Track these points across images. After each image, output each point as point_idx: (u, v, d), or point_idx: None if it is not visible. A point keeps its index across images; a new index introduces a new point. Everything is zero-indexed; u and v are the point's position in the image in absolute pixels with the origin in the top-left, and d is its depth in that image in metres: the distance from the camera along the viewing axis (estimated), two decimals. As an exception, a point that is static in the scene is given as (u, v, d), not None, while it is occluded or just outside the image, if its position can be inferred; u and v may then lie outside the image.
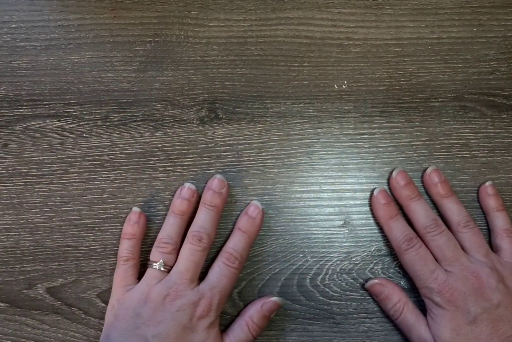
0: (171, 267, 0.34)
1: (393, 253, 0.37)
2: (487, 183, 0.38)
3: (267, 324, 0.35)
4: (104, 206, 0.38)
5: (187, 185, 0.37)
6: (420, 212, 0.36)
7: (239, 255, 0.34)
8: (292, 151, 0.39)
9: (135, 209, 0.37)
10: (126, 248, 0.35)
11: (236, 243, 0.35)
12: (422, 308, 0.35)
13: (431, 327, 0.34)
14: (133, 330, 0.32)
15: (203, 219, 0.35)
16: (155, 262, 0.34)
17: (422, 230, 0.35)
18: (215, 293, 0.33)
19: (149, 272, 0.34)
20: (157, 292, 0.33)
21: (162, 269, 0.34)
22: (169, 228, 0.35)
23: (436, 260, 0.35)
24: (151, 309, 0.32)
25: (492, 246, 0.37)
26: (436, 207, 0.38)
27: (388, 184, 0.38)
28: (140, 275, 0.35)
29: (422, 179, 0.38)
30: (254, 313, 0.35)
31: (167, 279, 0.33)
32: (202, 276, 0.35)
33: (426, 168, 0.38)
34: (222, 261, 0.34)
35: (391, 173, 0.38)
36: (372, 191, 0.38)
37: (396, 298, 0.35)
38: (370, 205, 0.38)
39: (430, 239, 0.35)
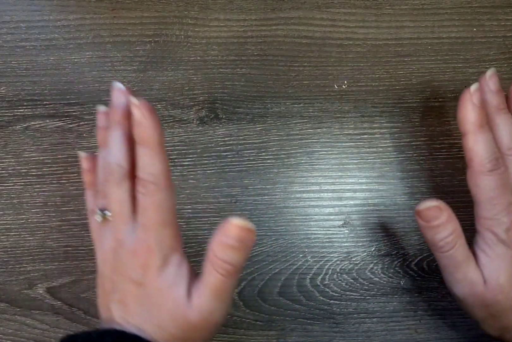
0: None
1: (393, 253, 0.37)
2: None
3: (243, 257, 0.26)
4: (104, 206, 0.38)
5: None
6: (508, 128, 0.30)
7: (152, 176, 0.27)
8: (292, 151, 0.39)
9: (82, 154, 0.32)
10: (88, 198, 0.31)
11: (142, 163, 0.27)
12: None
13: (485, 267, 0.29)
14: (103, 295, 0.28)
15: (112, 152, 0.28)
16: (95, 214, 0.29)
17: (507, 149, 0.30)
18: (149, 232, 0.27)
19: (92, 222, 0.30)
20: (106, 249, 0.28)
21: (102, 219, 0.28)
22: (100, 162, 0.30)
23: None
24: (107, 270, 0.28)
25: None
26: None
27: (476, 86, 0.30)
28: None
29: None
30: (215, 246, 0.26)
31: (108, 229, 0.28)
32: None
33: (426, 167, 0.38)
34: (138, 192, 0.27)
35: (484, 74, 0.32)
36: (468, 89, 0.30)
37: (452, 228, 0.29)
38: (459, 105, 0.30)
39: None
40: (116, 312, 0.27)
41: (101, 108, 0.31)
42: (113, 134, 0.28)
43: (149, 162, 0.27)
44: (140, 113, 0.26)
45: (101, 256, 0.29)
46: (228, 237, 0.25)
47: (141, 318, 0.26)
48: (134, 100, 0.26)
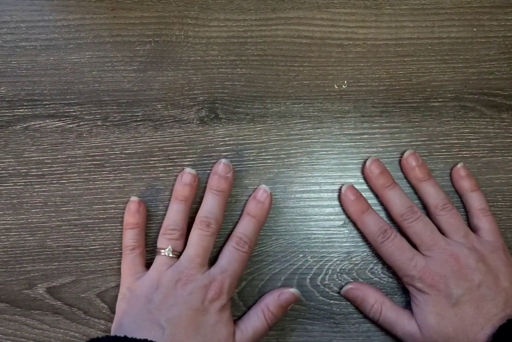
0: (180, 253, 0.34)
1: (393, 253, 0.37)
2: (459, 165, 0.38)
3: (282, 315, 0.35)
4: (104, 206, 0.38)
5: (187, 170, 0.37)
6: (396, 200, 0.36)
7: (248, 239, 0.35)
8: (292, 151, 0.39)
9: (134, 198, 0.37)
10: (131, 237, 0.35)
11: (245, 228, 0.35)
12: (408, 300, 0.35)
13: (416, 315, 0.34)
14: (146, 315, 0.32)
15: (211, 204, 0.35)
16: (163, 249, 0.34)
17: (399, 217, 0.36)
18: (226, 277, 0.33)
19: (158, 259, 0.34)
20: (169, 277, 0.33)
21: (171, 255, 0.34)
22: (174, 214, 0.35)
23: (415, 246, 0.35)
24: (163, 294, 0.32)
25: (471, 227, 0.36)
26: (414, 190, 0.38)
27: (363, 174, 0.38)
28: (147, 265, 0.35)
29: (400, 163, 0.38)
30: (270, 301, 0.35)
31: (177, 264, 0.34)
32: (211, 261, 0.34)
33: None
34: (232, 245, 0.34)
35: (364, 162, 0.38)
36: (339, 189, 0.38)
37: (372, 299, 0.35)
38: (340, 203, 0.38)
39: (407, 226, 0.35)
40: (161, 329, 0.31)
41: (191, 170, 0.37)
42: (216, 198, 0.35)
43: (252, 230, 0.35)
44: (265, 198, 0.36)
45: (154, 283, 0.33)
46: (284, 301, 0.35)
47: (190, 337, 0.31)
48: (267, 189, 0.37)
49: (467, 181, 0.37)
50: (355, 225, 0.37)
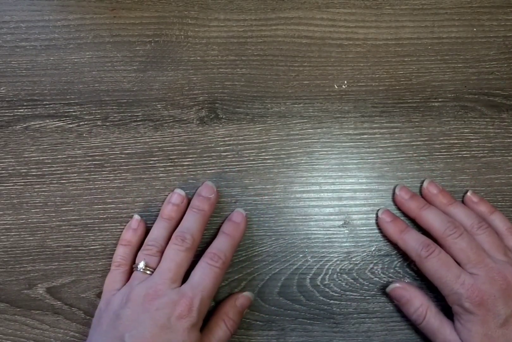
0: (155, 269, 0.34)
1: (393, 253, 0.37)
2: (468, 193, 0.38)
3: (241, 319, 0.35)
4: (104, 206, 0.38)
5: (177, 190, 0.37)
6: (434, 217, 0.35)
7: (223, 254, 0.34)
8: (292, 151, 0.39)
9: (136, 217, 0.37)
10: (120, 254, 0.36)
11: (220, 244, 0.35)
12: (444, 311, 0.35)
13: (460, 333, 0.32)
14: (112, 331, 0.31)
15: (188, 220, 0.35)
16: (138, 264, 0.34)
17: (441, 234, 0.34)
18: (197, 293, 0.32)
19: (133, 274, 0.34)
20: (137, 292, 0.32)
21: (143, 270, 0.34)
22: (156, 231, 0.35)
23: (458, 263, 0.34)
24: (130, 310, 0.32)
25: None
26: None
27: (393, 202, 0.38)
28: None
29: (421, 194, 0.38)
30: (229, 309, 0.35)
31: (148, 279, 0.33)
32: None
33: (426, 167, 0.38)
34: (205, 261, 0.34)
35: (393, 191, 0.38)
36: (376, 214, 0.38)
37: (418, 302, 0.34)
38: (379, 228, 0.37)
39: (451, 242, 0.34)
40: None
41: (181, 192, 0.37)
42: (195, 215, 0.35)
43: (227, 247, 0.34)
44: (240, 219, 0.36)
45: (124, 298, 0.33)
46: (241, 306, 0.35)
47: None
48: (242, 211, 0.37)
49: (483, 206, 0.37)
50: (395, 246, 0.37)
